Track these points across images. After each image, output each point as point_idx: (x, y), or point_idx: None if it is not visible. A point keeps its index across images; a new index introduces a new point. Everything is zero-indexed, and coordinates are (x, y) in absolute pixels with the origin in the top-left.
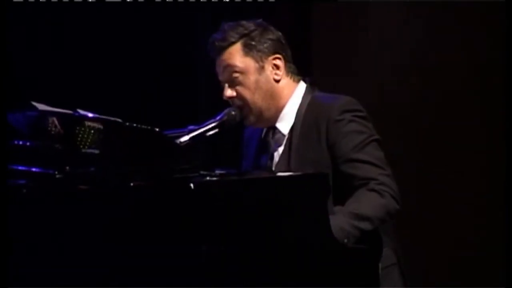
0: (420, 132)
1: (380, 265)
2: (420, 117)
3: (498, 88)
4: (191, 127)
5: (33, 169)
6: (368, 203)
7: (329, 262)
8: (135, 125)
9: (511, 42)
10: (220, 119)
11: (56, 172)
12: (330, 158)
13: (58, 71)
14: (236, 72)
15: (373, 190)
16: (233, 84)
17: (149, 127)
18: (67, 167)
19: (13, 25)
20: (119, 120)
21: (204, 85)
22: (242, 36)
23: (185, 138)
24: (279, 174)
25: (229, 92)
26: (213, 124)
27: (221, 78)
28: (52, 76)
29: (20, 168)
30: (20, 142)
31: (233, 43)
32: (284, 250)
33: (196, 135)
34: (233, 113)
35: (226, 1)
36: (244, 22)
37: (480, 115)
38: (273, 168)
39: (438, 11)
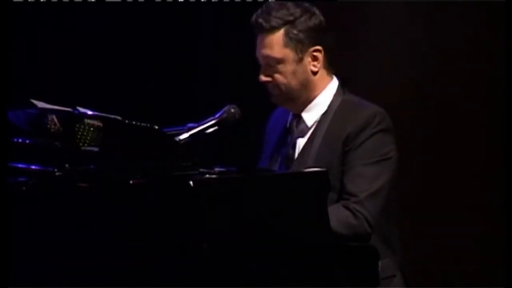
0: (421, 131)
1: (379, 263)
2: (420, 117)
3: (498, 87)
4: (190, 124)
5: (33, 167)
6: (338, 219)
7: (328, 260)
8: (134, 122)
9: None
10: (219, 116)
11: (56, 170)
12: (342, 164)
13: (58, 69)
14: (274, 61)
15: (348, 208)
16: (269, 70)
17: (148, 125)
18: (67, 165)
19: (13, 25)
20: (119, 117)
21: (204, 82)
22: (286, 23)
23: (185, 135)
24: (279, 171)
25: (264, 78)
26: (212, 122)
27: (258, 58)
28: (52, 74)
29: (19, 165)
30: (20, 140)
31: (276, 28)
32: (284, 248)
33: (196, 132)
34: (232, 110)
35: (227, 1)
36: (290, 5)
37: (480, 113)
38: (295, 158)
39: (438, 11)
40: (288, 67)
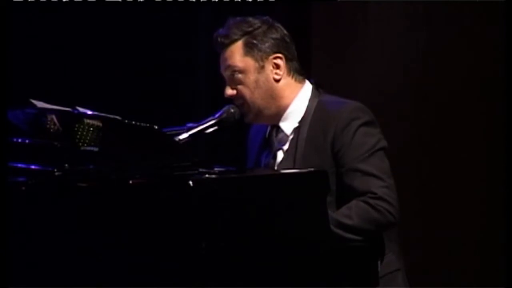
0: (420, 131)
1: (379, 262)
2: (420, 116)
3: (498, 87)
4: (190, 124)
5: (32, 167)
6: (358, 215)
7: (328, 260)
8: (134, 122)
9: None
10: (219, 116)
11: (55, 170)
12: (334, 166)
13: (58, 69)
14: (236, 71)
15: (367, 203)
16: (233, 82)
17: (148, 125)
18: (66, 165)
19: (13, 25)
20: (118, 117)
21: (204, 82)
22: (244, 34)
23: (184, 135)
24: (278, 171)
25: (229, 91)
26: (212, 122)
27: (223, 74)
28: (52, 74)
29: (19, 165)
30: (19, 140)
31: (235, 40)
32: (283, 247)
33: (195, 132)
34: (232, 110)
35: (226, 1)
36: (250, 19)
37: (480, 114)
38: (275, 167)
39: (438, 11)
40: (250, 77)
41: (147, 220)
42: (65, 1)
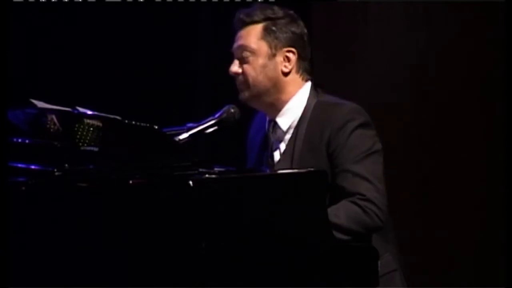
0: (420, 131)
1: (379, 262)
2: (420, 116)
3: (498, 87)
4: (190, 124)
5: (32, 167)
6: (346, 215)
7: (327, 259)
8: (134, 122)
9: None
10: (219, 116)
11: (55, 170)
12: (329, 167)
13: (58, 69)
14: (248, 51)
15: (356, 204)
16: (241, 61)
17: (148, 125)
18: (66, 165)
19: (13, 25)
20: (118, 117)
21: (204, 82)
22: (266, 19)
23: (184, 135)
24: (278, 171)
25: (235, 68)
26: (212, 122)
27: (234, 51)
28: (51, 74)
29: (19, 165)
30: (19, 140)
31: (256, 22)
32: (283, 247)
33: (195, 132)
34: (232, 110)
35: (226, 1)
36: (275, 7)
37: (480, 114)
38: (274, 167)
39: (438, 11)
40: (260, 60)
41: (147, 220)
42: (65, 1)
